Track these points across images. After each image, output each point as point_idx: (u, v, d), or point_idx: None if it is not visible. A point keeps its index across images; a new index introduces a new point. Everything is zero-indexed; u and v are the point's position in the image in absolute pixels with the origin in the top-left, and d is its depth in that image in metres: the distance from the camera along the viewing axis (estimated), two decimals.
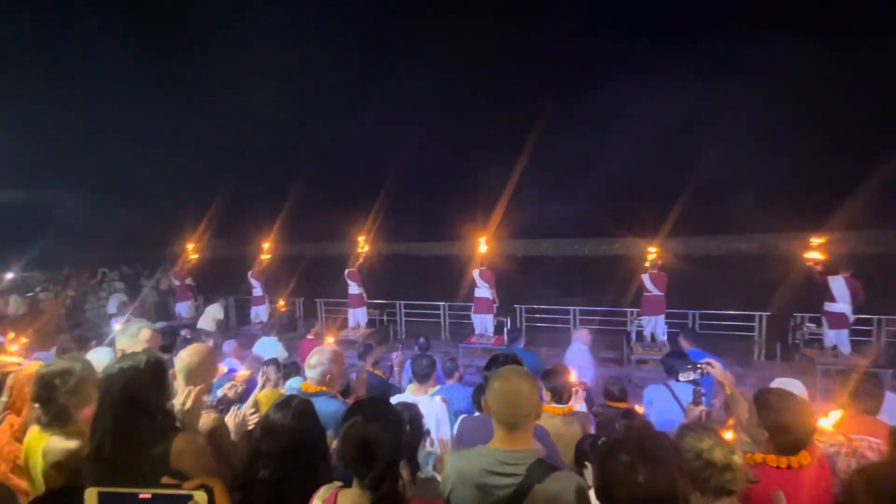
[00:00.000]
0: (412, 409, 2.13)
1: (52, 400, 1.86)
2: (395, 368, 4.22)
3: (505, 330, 9.01)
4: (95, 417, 1.62)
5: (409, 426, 1.86)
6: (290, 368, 4.35)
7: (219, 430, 2.15)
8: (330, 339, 3.78)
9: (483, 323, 8.94)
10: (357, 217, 12.96)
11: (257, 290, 10.73)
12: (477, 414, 2.75)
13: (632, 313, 9.20)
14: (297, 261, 15.57)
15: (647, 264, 8.27)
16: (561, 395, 2.74)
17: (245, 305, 11.49)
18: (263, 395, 3.43)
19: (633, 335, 8.53)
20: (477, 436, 1.94)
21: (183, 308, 11.03)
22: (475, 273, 8.89)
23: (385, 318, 11.00)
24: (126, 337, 2.67)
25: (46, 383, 1.87)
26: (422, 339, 5.54)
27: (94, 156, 20.28)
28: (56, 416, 1.86)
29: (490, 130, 35.92)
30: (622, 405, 3.40)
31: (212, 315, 8.97)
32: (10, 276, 10.68)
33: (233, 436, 2.25)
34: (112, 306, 10.98)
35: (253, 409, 2.46)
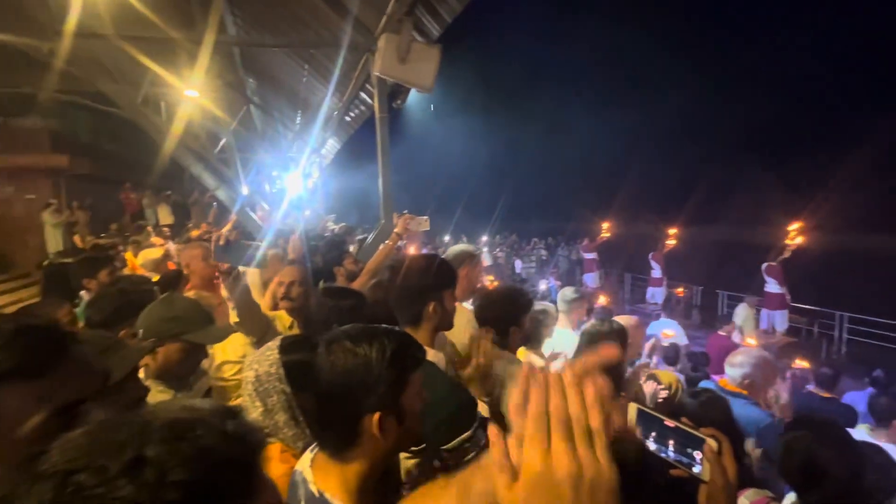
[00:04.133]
0: (882, 454, 1.74)
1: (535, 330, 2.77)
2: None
3: None
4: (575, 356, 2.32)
5: (877, 474, 1.56)
6: (699, 360, 4.27)
7: (638, 396, 2.56)
8: (750, 341, 3.51)
9: None
10: (794, 200, 10.65)
11: (656, 272, 10.90)
12: None
13: None
14: (708, 246, 14.57)
15: None
16: None
17: (640, 284, 11.94)
18: (663, 374, 3.66)
19: None
20: None
21: (590, 279, 12.63)
22: None
23: (816, 329, 8.73)
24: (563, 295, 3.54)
25: (539, 316, 2.80)
26: (878, 372, 4.17)
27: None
28: (537, 339, 2.78)
29: None
30: None
31: None
32: (484, 238, 15.53)
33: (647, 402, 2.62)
34: (537, 269, 14.14)
35: (664, 385, 2.73)
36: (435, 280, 1.62)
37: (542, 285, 9.96)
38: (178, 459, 0.29)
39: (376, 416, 0.85)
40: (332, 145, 9.72)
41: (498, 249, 15.04)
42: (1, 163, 10.84)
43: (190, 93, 8.36)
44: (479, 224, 16.92)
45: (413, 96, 4.30)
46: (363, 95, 5.82)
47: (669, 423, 1.02)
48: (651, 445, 1.09)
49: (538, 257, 15.31)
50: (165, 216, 11.91)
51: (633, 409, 1.12)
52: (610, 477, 0.38)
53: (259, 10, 5.45)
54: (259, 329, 1.97)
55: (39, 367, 0.54)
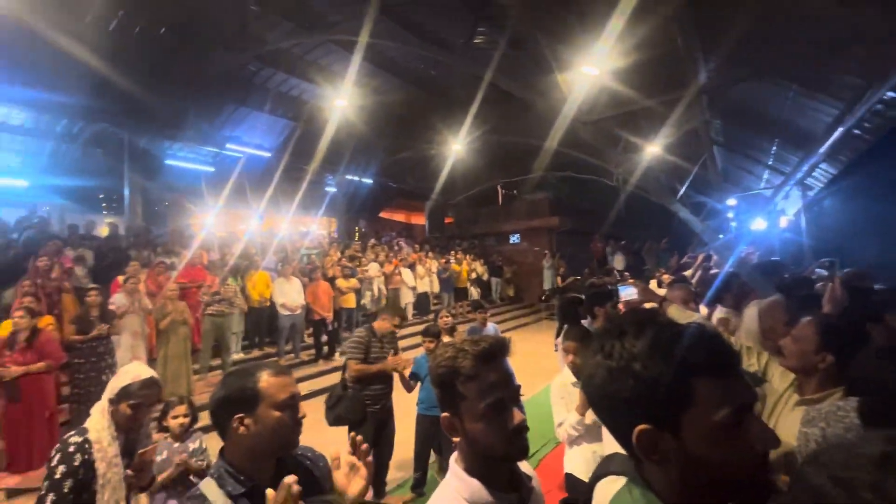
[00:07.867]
0: None
1: None
2: None
3: None
4: None
5: None
6: None
7: None
8: None
9: None
10: None
11: None
12: None
13: None
14: None
15: None
16: None
17: None
18: None
19: None
20: None
21: None
22: None
23: None
24: None
25: None
26: None
27: None
28: None
29: None
30: None
31: None
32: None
33: None
34: None
35: None
36: None
37: None
38: None
39: None
40: (824, 171, 7.73)
41: None
42: (521, 225, 15.63)
43: (652, 149, 9.04)
44: None
45: None
46: (889, 94, 4.27)
47: None
48: None
49: None
50: (619, 262, 13.21)
51: None
52: None
53: (738, 45, 5.20)
54: None
55: (722, 369, 0.61)
